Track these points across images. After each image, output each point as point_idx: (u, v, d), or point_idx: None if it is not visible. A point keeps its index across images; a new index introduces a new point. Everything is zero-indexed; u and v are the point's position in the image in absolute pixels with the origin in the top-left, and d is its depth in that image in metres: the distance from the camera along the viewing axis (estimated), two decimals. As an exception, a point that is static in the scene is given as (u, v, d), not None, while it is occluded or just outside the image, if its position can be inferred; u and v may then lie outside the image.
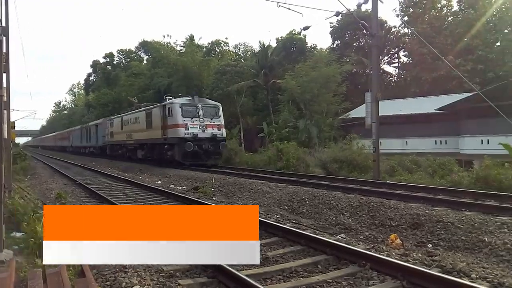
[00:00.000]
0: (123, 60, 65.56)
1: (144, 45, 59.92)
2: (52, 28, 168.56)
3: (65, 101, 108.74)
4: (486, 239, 6.06)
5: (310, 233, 6.57)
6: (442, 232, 6.68)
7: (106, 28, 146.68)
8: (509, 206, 8.02)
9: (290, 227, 7.04)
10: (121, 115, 30.07)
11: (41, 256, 4.91)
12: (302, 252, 5.85)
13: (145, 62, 59.95)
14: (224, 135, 20.94)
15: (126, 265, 4.80)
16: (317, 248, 5.80)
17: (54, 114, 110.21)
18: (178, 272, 5.03)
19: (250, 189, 11.92)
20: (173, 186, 14.43)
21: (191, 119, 19.63)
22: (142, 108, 25.54)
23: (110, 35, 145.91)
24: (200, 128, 19.70)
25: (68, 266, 4.62)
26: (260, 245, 6.20)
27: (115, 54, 66.44)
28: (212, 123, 20.34)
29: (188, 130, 19.30)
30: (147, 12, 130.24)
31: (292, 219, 8.48)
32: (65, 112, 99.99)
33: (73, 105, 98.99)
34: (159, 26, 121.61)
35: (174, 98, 22.49)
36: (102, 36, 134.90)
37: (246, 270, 5.01)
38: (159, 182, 15.71)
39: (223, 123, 21.12)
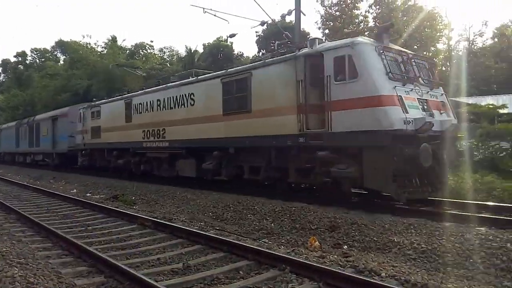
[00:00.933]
0: (37, 60, 61.13)
1: (61, 45, 56.30)
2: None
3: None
4: (395, 240, 6.50)
5: (233, 239, 6.59)
6: (356, 233, 7.05)
7: (18, 25, 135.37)
8: (415, 208, 8.73)
9: (213, 234, 7.00)
10: (126, 95, 17.18)
11: None
12: (225, 258, 5.84)
13: (62, 62, 56.36)
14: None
15: (34, 281, 4.42)
16: (239, 254, 5.82)
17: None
18: (92, 287, 4.74)
19: (173, 196, 11.67)
20: (89, 194, 13.65)
21: (404, 85, 8.62)
22: (206, 76, 13.00)
23: (23, 33, 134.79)
24: (425, 110, 8.84)
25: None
26: (182, 253, 6.11)
27: (28, 53, 61.81)
28: (434, 98, 9.40)
29: (408, 111, 8.30)
30: (65, 10, 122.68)
31: (216, 225, 8.44)
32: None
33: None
34: (78, 25, 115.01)
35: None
36: (14, 35, 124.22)
37: (166, 280, 4.88)
38: (75, 190, 14.79)
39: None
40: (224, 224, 8.68)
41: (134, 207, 10.89)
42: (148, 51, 49.67)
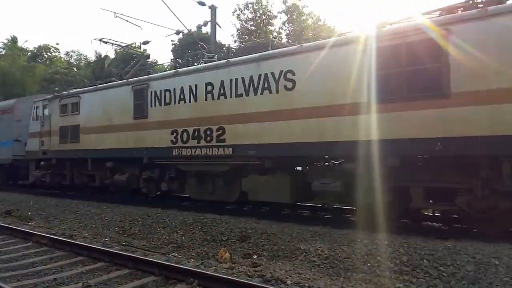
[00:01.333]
0: None
1: (-48, 44, 50.09)
2: None
3: None
4: (302, 247, 6.73)
5: (139, 255, 6.32)
6: (266, 243, 7.16)
7: None
8: (321, 216, 9.16)
9: (118, 250, 6.64)
10: (137, 79, 11.87)
11: None
12: (130, 275, 5.57)
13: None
14: None
15: None
16: (146, 270, 5.61)
17: None
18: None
19: (76, 211, 10.86)
20: (-23, 210, 12.16)
21: None
22: (324, 41, 8.15)
23: None
24: None
25: None
26: (82, 272, 5.70)
27: None
28: None
29: None
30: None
31: (123, 241, 8.04)
32: None
33: None
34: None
35: None
36: None
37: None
38: (-41, 206, 13.07)
39: None
40: (131, 239, 8.29)
41: (30, 223, 9.95)
42: (53, 54, 46.25)
